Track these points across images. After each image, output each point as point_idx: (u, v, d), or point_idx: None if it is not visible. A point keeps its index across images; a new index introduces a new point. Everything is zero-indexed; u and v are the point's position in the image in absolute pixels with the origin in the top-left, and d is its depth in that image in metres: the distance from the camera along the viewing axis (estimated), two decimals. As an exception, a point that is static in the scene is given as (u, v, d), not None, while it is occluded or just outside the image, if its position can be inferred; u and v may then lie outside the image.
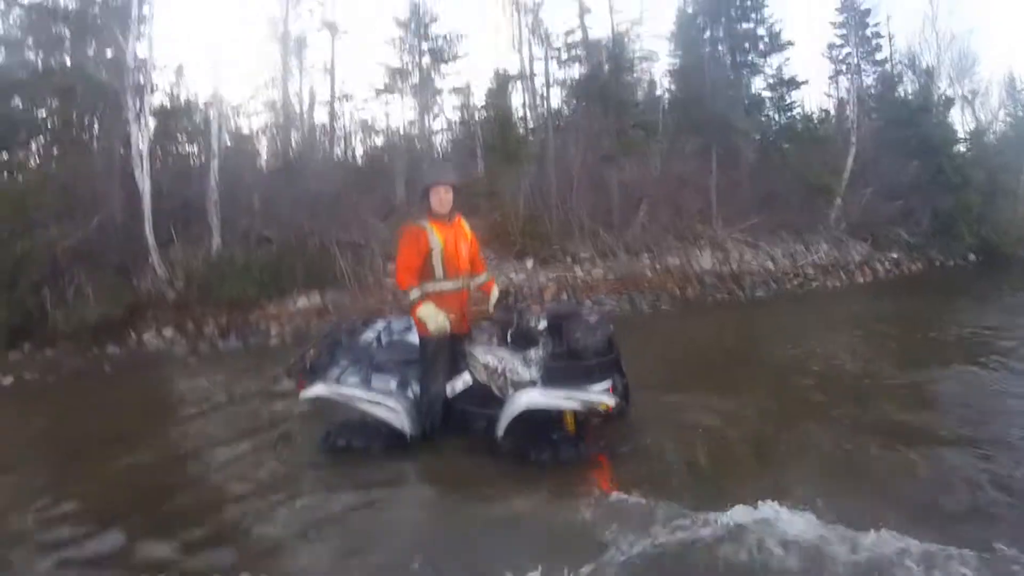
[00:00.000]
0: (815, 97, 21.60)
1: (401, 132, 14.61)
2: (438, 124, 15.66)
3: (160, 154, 12.68)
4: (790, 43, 15.71)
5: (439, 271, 3.60)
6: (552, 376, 3.41)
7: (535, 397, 3.34)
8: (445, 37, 14.32)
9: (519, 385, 3.40)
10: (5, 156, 9.88)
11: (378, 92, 14.57)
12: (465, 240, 3.82)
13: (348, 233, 10.37)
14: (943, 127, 19.04)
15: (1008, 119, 26.30)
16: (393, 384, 3.65)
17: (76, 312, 8.24)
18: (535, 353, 3.49)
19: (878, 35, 19.31)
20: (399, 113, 15.17)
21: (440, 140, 15.51)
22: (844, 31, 18.59)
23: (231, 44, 22.53)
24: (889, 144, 16.40)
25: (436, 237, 3.55)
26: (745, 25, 15.74)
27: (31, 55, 10.58)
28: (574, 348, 3.45)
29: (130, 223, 9.92)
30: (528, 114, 14.60)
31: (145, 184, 9.47)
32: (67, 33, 10.51)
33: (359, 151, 15.00)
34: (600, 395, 3.32)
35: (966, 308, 9.88)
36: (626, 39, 15.23)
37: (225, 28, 21.41)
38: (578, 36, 15.09)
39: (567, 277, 11.12)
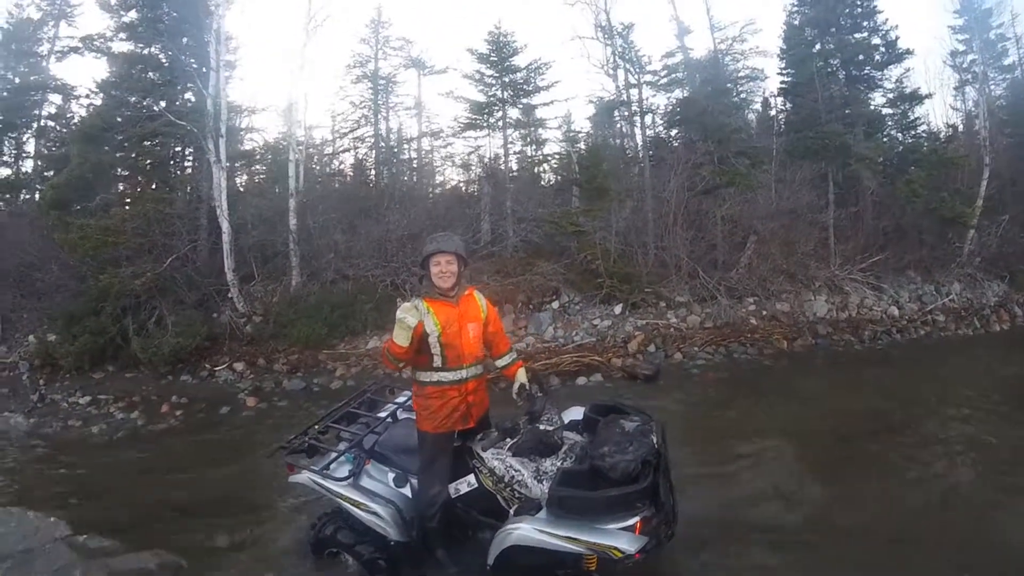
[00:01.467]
0: (939, 112, 19.34)
1: (488, 167, 13.96)
2: (523, 156, 15.02)
3: (244, 191, 12.95)
4: (909, 52, 14.06)
5: (437, 360, 3.10)
6: (560, 503, 2.67)
7: (527, 532, 2.68)
8: (529, 67, 13.49)
9: (527, 503, 2.81)
10: (98, 199, 10.23)
11: (463, 127, 14.11)
12: (476, 320, 3.23)
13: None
14: (1092, 139, 16.77)
15: None
16: (390, 478, 3.30)
17: (153, 340, 8.97)
18: (551, 464, 2.87)
19: (1003, 37, 17.18)
20: (487, 148, 14.42)
21: (536, 172, 14.83)
22: (966, 35, 16.59)
23: (316, 83, 23.45)
24: (1027, 164, 14.47)
25: (432, 320, 3.05)
26: (858, 35, 14.24)
27: (125, 100, 10.88)
28: (597, 466, 2.68)
29: (212, 258, 10.60)
30: (624, 143, 13.66)
31: (224, 222, 9.98)
32: (157, 79, 10.78)
33: (446, 187, 14.63)
34: (617, 537, 2.58)
35: None
36: (727, 58, 14.02)
37: (310, 69, 21.96)
38: (679, 58, 14.09)
39: (658, 325, 10.16)
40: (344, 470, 3.25)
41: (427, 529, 3.14)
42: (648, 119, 13.92)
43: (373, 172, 15.33)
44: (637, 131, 13.20)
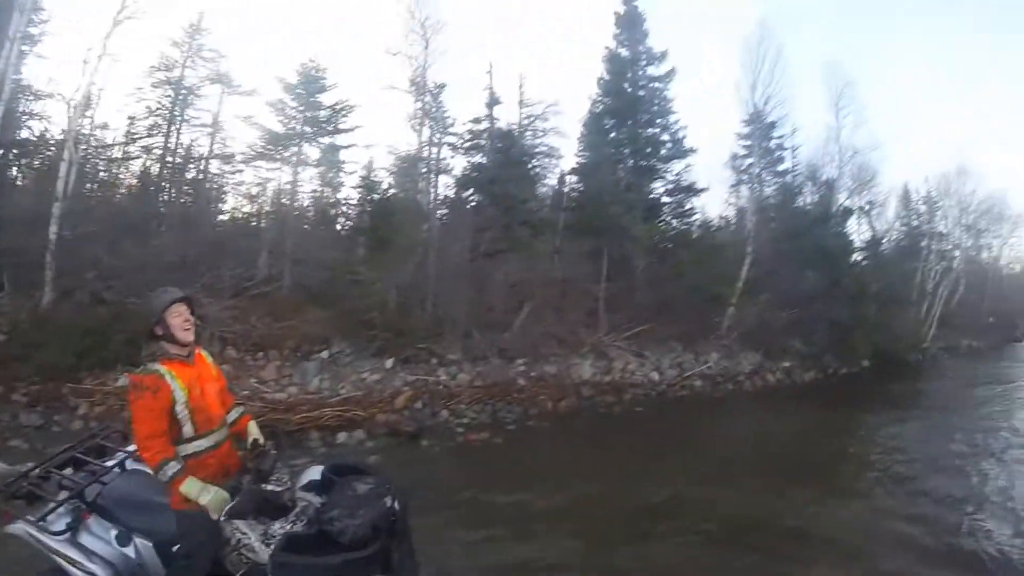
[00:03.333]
0: (715, 206, 22.30)
1: (276, 201, 13.62)
2: (317, 197, 14.88)
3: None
4: (692, 150, 16.17)
5: (188, 429, 2.71)
6: (281, 570, 2.41)
7: None
8: (335, 106, 13.57)
9: (254, 569, 2.54)
10: None
11: (256, 155, 13.63)
12: (212, 379, 2.92)
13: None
14: (840, 237, 19.84)
15: (903, 228, 28.17)
16: (112, 535, 2.84)
17: None
18: (280, 527, 2.61)
19: (782, 147, 20.26)
20: (279, 182, 13.96)
21: (329, 215, 14.67)
22: (749, 142, 19.39)
23: (114, 81, 21.24)
24: (786, 254, 16.79)
25: (178, 385, 2.66)
26: (651, 130, 16.11)
27: None
28: (326, 530, 2.48)
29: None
30: (419, 199, 14.08)
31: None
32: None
33: (227, 217, 13.98)
34: None
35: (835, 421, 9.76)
36: (526, 132, 15.18)
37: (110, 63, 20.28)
38: (484, 125, 14.97)
39: (428, 381, 10.20)
40: (62, 523, 2.82)
41: None
42: (444, 179, 14.48)
43: (154, 188, 14.13)
44: (432, 189, 13.68)
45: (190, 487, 2.57)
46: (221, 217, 13.98)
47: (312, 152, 13.61)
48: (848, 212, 21.59)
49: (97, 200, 12.71)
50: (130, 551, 2.86)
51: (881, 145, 27.32)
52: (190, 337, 2.76)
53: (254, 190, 14.24)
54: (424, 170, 14.55)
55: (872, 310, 18.05)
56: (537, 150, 15.08)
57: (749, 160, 19.15)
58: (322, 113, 13.38)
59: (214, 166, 14.69)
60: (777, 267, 16.33)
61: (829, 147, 20.61)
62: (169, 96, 14.40)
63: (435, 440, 8.20)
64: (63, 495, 2.97)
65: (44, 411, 8.00)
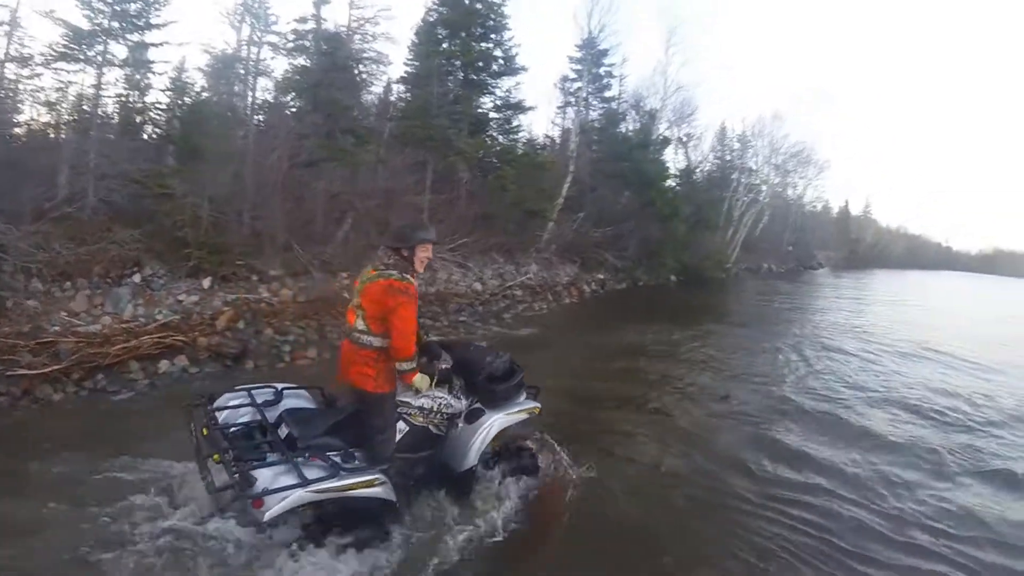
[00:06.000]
0: (541, 125, 23.24)
1: (73, 109, 11.63)
2: (124, 103, 12.94)
3: None
4: (524, 68, 16.47)
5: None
6: (495, 400, 3.79)
7: (502, 419, 3.74)
8: None
9: (454, 418, 3.70)
10: None
11: (56, 56, 11.43)
12: None
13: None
14: (657, 163, 21.91)
15: (717, 161, 31.74)
16: (337, 459, 3.15)
17: None
18: (458, 388, 3.76)
19: (611, 75, 21.49)
20: (82, 86, 11.87)
21: (136, 122, 12.81)
22: (580, 67, 20.23)
23: None
24: (605, 175, 18.26)
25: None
26: (484, 44, 16.06)
27: None
28: (493, 375, 3.80)
29: None
30: (236, 104, 12.88)
31: None
32: None
33: (23, 130, 11.68)
34: (531, 403, 3.95)
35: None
36: (355, 36, 14.36)
37: None
38: (310, 25, 13.82)
39: (249, 300, 9.80)
40: (315, 470, 3.00)
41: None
42: (264, 82, 13.41)
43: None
44: (250, 92, 12.62)
45: (420, 380, 3.36)
46: (16, 131, 11.55)
47: (119, 51, 11.65)
48: (666, 141, 23.81)
49: None
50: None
51: (704, 83, 30.17)
52: (422, 271, 3.43)
53: (53, 97, 11.98)
54: (242, 72, 13.23)
55: (682, 231, 20.55)
56: (366, 55, 14.35)
57: (578, 84, 20.12)
58: (132, 7, 11.45)
59: (9, 71, 12.01)
60: (596, 187, 17.76)
61: (656, 80, 22.30)
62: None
63: (262, 361, 7.99)
64: (272, 457, 3.07)
65: None
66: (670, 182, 22.99)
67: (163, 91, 12.68)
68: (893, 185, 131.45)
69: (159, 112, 12.52)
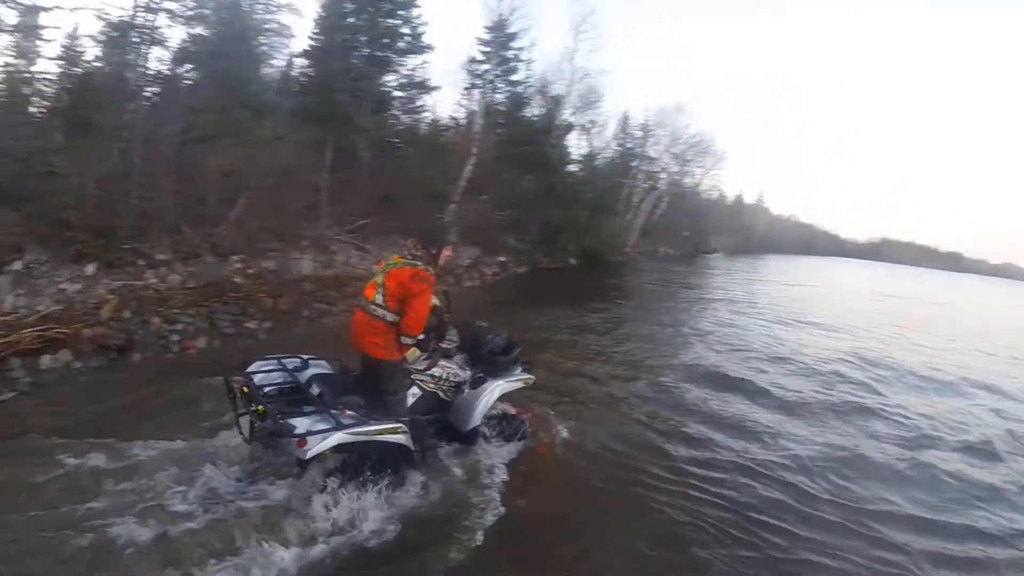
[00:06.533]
0: (446, 106, 23.27)
1: None
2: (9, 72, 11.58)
3: None
4: (430, 47, 16.41)
5: None
6: (503, 366, 4.52)
7: (503, 385, 4.42)
8: None
9: (460, 386, 4.36)
10: None
11: None
12: None
13: None
14: (560, 148, 22.74)
15: (618, 148, 33.19)
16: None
17: None
18: (463, 360, 4.44)
19: (518, 58, 21.75)
20: None
21: (22, 94, 11.48)
22: (488, 48, 20.37)
23: None
24: (508, 158, 18.72)
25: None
26: (391, 21, 15.79)
27: None
28: (493, 350, 4.52)
29: None
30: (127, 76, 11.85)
31: None
32: None
33: None
34: (527, 376, 4.68)
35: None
36: (257, 5, 13.65)
37: None
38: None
39: (136, 286, 9.27)
40: (347, 419, 3.46)
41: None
42: (159, 52, 12.47)
43: None
44: (142, 63, 11.64)
45: (412, 354, 4.10)
46: None
47: (7, 15, 10.31)
48: (570, 127, 24.64)
49: None
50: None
51: (609, 72, 31.23)
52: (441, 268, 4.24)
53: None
54: (136, 40, 12.14)
55: (582, 215, 21.53)
56: (267, 27, 13.69)
57: (485, 66, 20.29)
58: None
59: None
60: (499, 170, 18.19)
61: (563, 66, 22.90)
62: None
63: (148, 352, 7.69)
64: (308, 408, 3.56)
65: None
66: (572, 167, 23.94)
67: (52, 60, 11.54)
68: (788, 177, 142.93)
69: (47, 83, 11.38)
